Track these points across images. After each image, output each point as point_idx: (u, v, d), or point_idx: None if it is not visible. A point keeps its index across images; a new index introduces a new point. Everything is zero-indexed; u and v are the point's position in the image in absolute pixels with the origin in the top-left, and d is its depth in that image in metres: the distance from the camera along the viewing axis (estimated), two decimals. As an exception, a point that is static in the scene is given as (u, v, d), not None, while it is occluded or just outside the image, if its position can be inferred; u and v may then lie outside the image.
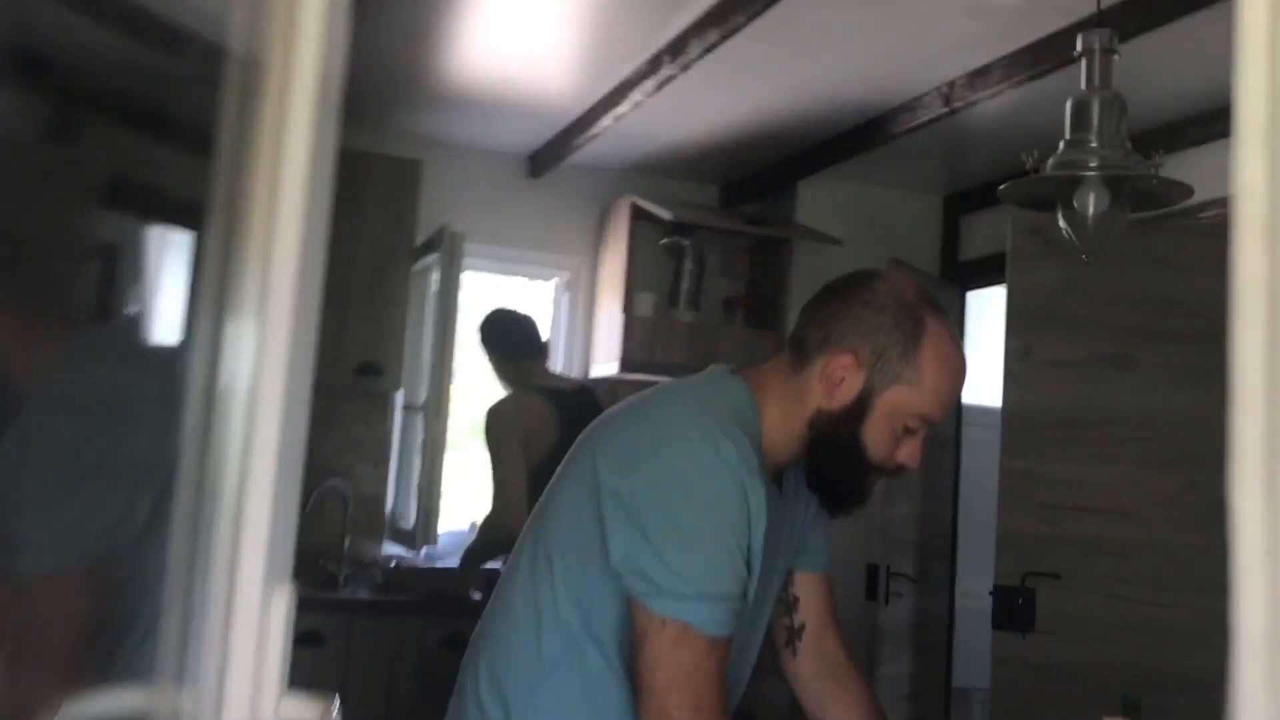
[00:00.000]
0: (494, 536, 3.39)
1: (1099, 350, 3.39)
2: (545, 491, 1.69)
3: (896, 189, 4.68)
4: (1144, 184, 2.19)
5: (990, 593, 3.37)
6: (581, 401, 3.59)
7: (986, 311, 4.71)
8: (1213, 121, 3.43)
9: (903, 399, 1.56)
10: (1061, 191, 2.26)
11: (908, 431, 1.58)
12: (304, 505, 4.10)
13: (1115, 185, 2.19)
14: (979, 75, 3.29)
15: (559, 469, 1.68)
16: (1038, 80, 3.13)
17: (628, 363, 4.30)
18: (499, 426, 3.41)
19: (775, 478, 1.67)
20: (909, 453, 1.59)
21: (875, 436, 1.57)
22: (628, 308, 4.36)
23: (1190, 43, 2.99)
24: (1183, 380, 3.35)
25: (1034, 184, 2.27)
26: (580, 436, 1.68)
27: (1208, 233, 3.39)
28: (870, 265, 4.59)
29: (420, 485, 3.81)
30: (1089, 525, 3.34)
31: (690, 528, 1.46)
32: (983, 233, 4.58)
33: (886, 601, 3.97)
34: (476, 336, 3.69)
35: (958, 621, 4.51)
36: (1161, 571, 3.29)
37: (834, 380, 1.56)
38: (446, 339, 3.83)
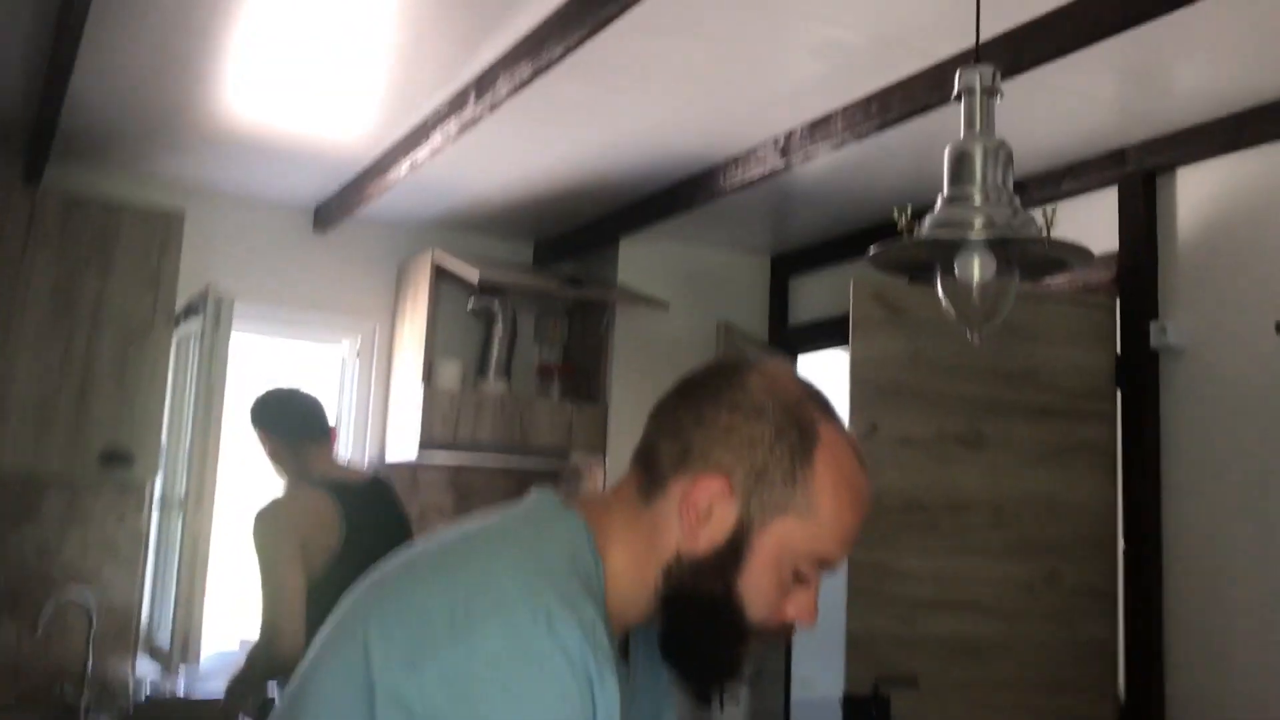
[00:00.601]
0: (263, 665, 2.80)
1: (948, 427, 3.09)
2: (296, 676, 1.19)
3: (723, 248, 4.34)
4: (1035, 248, 1.87)
5: (841, 701, 3.00)
6: (373, 497, 3.07)
7: (818, 378, 4.39)
8: (1064, 179, 3.21)
9: (792, 536, 1.15)
10: (940, 255, 1.91)
11: (798, 580, 1.17)
12: (36, 619, 3.42)
13: (1003, 248, 1.85)
14: (819, 125, 2.97)
15: (314, 647, 1.19)
16: (884, 131, 2.82)
17: (428, 441, 3.79)
18: (270, 531, 2.85)
19: (621, 644, 1.23)
20: (801, 606, 1.18)
21: (756, 588, 1.16)
22: (429, 377, 3.86)
23: (1045, 93, 2.74)
24: (1040, 459, 3.08)
25: (907, 248, 1.92)
26: (346, 603, 1.19)
27: (1061, 299, 3.16)
28: (697, 329, 4.29)
29: (179, 594, 3.19)
30: (945, 622, 3.01)
31: None
32: (813, 295, 4.29)
33: (722, 707, 3.55)
34: (249, 419, 3.13)
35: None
36: (1023, 673, 2.98)
37: (699, 512, 1.15)
38: (210, 418, 3.24)
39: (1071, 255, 1.87)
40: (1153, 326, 3.00)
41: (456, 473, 4.19)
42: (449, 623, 1.05)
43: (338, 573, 2.84)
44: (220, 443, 3.26)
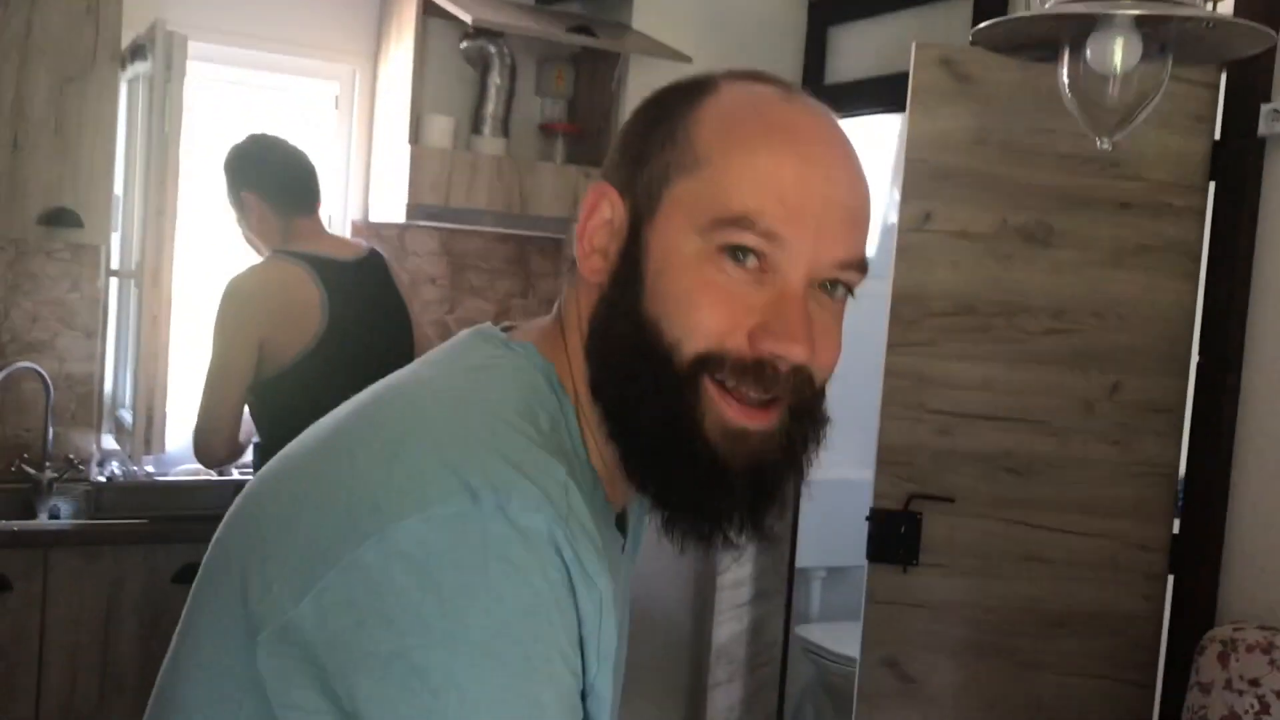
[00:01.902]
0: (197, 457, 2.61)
1: (1012, 219, 2.69)
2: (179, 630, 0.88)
3: (754, -10, 3.79)
4: (1194, 29, 1.42)
5: (867, 517, 2.74)
6: (365, 276, 2.70)
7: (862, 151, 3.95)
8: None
9: (683, 202, 0.82)
10: (1069, 33, 1.47)
11: (735, 261, 0.80)
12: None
13: (1153, 30, 1.41)
14: None
15: (194, 587, 0.87)
16: None
17: (418, 206, 3.38)
18: (230, 309, 2.52)
19: (619, 516, 0.92)
20: (764, 313, 0.79)
21: (671, 294, 0.81)
22: (416, 136, 3.41)
23: None
24: (1113, 258, 2.69)
25: (1027, 24, 1.47)
26: (221, 526, 0.87)
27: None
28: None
29: (138, 376, 2.87)
30: (990, 437, 2.71)
31: (452, 685, 0.70)
32: (857, 48, 3.77)
33: (729, 539, 3.31)
34: (225, 174, 2.73)
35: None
36: (1071, 492, 2.71)
37: (588, 242, 0.87)
38: (165, 178, 2.83)
39: (1246, 39, 1.43)
40: (1263, 110, 2.55)
41: (450, 237, 3.80)
42: (348, 523, 0.72)
43: (312, 366, 2.52)
44: (177, 205, 2.86)
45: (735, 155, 0.80)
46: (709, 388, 0.79)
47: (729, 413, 0.80)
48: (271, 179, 2.66)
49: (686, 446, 0.80)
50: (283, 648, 0.72)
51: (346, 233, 3.65)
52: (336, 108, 3.65)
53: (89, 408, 3.33)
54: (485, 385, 0.82)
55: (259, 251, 2.73)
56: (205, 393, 2.50)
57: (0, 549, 2.72)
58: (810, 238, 0.79)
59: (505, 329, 0.90)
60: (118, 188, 3.05)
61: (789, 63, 3.86)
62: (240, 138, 2.76)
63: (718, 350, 0.79)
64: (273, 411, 2.55)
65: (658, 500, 0.83)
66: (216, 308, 2.54)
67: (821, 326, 0.81)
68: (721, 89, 0.85)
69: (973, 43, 1.56)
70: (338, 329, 2.55)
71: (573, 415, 0.84)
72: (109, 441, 3.36)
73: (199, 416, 2.51)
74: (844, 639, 3.90)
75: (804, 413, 0.83)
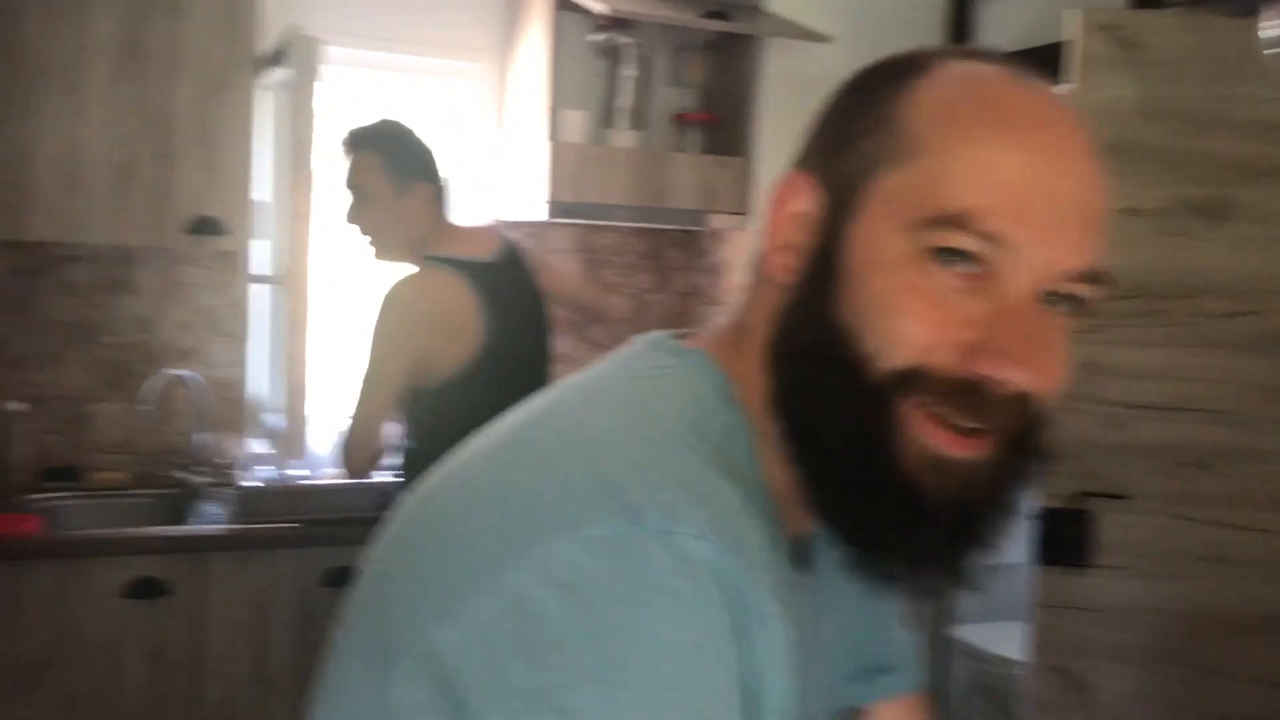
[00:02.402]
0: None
1: (1188, 194, 2.50)
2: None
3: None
4: None
5: (1033, 516, 2.58)
6: (507, 275, 2.55)
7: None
8: None
9: (891, 197, 0.71)
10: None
11: (946, 264, 0.68)
12: (142, 393, 3.17)
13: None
14: None
15: (346, 611, 0.81)
16: None
17: (556, 205, 3.33)
18: (389, 321, 2.37)
19: (798, 547, 0.79)
20: (989, 331, 0.68)
21: (870, 299, 0.70)
22: (552, 131, 3.36)
23: None
24: (1303, 234, 2.48)
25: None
26: (384, 533, 0.80)
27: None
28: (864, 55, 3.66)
29: (284, 379, 2.88)
30: (1167, 429, 2.53)
31: None
32: (1006, 20, 3.58)
33: (955, 582, 3.18)
34: (396, 157, 2.47)
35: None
36: (1261, 487, 2.51)
37: (777, 239, 0.77)
38: (301, 185, 2.83)
39: None
40: None
41: (585, 233, 3.75)
42: (497, 544, 0.65)
43: (472, 375, 2.43)
44: (311, 210, 2.86)
45: (953, 144, 0.69)
46: (910, 409, 0.69)
47: (932, 439, 0.69)
48: (440, 174, 2.54)
49: (879, 475, 0.69)
50: (420, 678, 0.65)
51: (482, 232, 3.63)
52: (470, 106, 3.63)
53: (236, 412, 3.38)
54: (650, 396, 0.74)
55: (384, 245, 2.52)
56: (359, 401, 2.40)
57: (158, 554, 2.77)
58: (1039, 241, 0.68)
59: (681, 335, 0.82)
60: (259, 194, 3.08)
61: (931, 37, 3.69)
62: (403, 122, 2.58)
63: (922, 366, 0.68)
64: (430, 420, 2.44)
65: (843, 535, 0.73)
66: (375, 316, 2.42)
67: (1048, 346, 0.69)
68: (936, 68, 0.74)
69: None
70: (493, 336, 2.44)
71: (748, 432, 0.75)
72: (256, 445, 3.40)
73: (350, 422, 2.43)
74: (1000, 640, 3.73)
75: (1021, 444, 0.71)
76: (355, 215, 2.48)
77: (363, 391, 2.40)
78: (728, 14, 3.34)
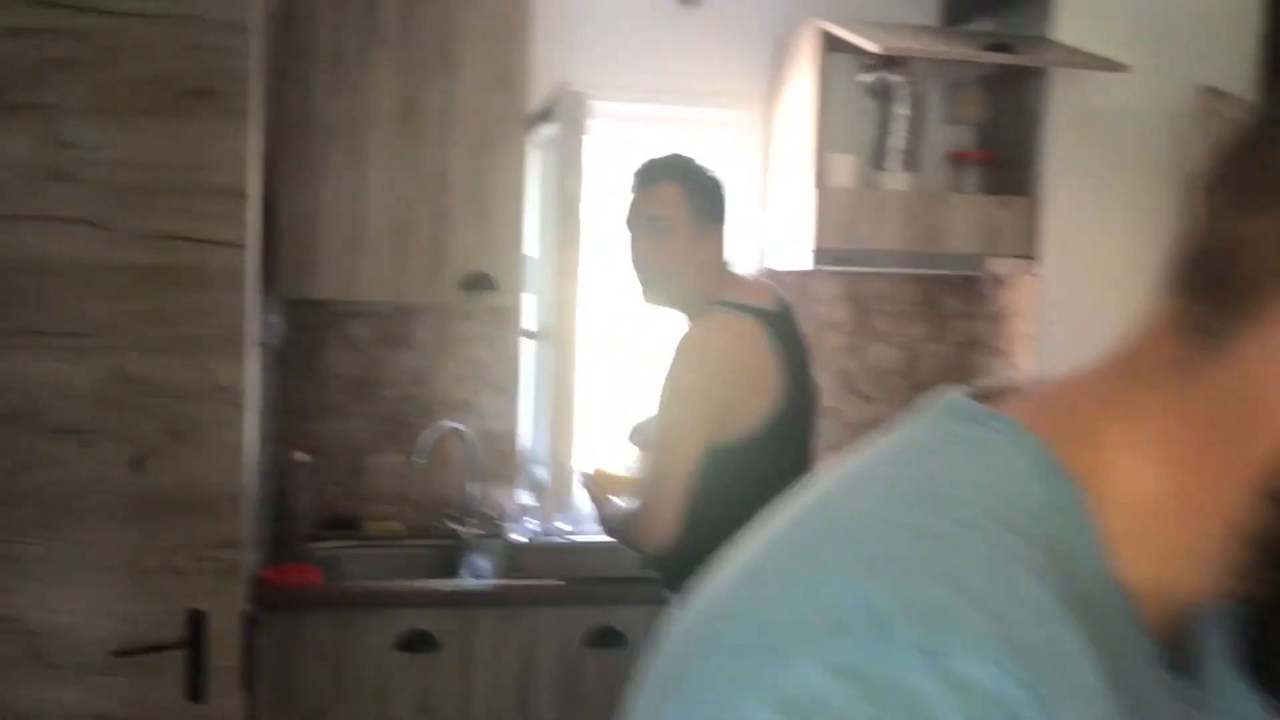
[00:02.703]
0: (627, 536, 2.29)
1: None
2: None
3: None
4: None
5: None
6: (789, 329, 2.32)
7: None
8: None
9: None
10: None
11: None
12: (418, 446, 3.24)
13: None
14: None
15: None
16: None
17: (824, 253, 3.20)
18: (689, 372, 2.11)
19: (1171, 642, 0.61)
20: None
21: None
22: (819, 176, 3.24)
23: None
24: None
25: None
26: (659, 637, 0.67)
27: None
28: (1166, 98, 3.29)
29: (550, 441, 2.87)
30: None
31: None
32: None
33: None
34: (700, 195, 2.25)
35: None
36: None
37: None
38: (569, 240, 2.82)
39: None
40: None
41: (853, 280, 3.60)
42: (735, 666, 0.53)
43: (765, 437, 2.17)
44: (579, 262, 2.84)
45: None
46: None
47: None
48: (708, 191, 2.30)
49: None
50: None
51: (748, 282, 3.54)
52: (732, 154, 3.56)
53: (507, 464, 3.41)
54: (935, 473, 0.59)
55: (663, 287, 2.27)
56: (659, 461, 2.10)
57: (429, 608, 2.80)
58: None
59: (983, 395, 0.67)
60: (529, 249, 3.11)
61: (1242, 68, 3.34)
62: (706, 164, 2.36)
63: None
64: (713, 488, 2.15)
65: None
66: (672, 366, 2.15)
67: None
68: None
69: None
70: (789, 391, 2.21)
71: (1085, 516, 0.59)
72: (525, 497, 3.42)
73: (652, 487, 2.10)
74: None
75: None
76: (644, 250, 2.20)
77: (662, 449, 2.11)
78: (1011, 46, 3.13)
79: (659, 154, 2.33)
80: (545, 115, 3.01)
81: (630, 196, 2.28)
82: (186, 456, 1.80)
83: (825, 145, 3.28)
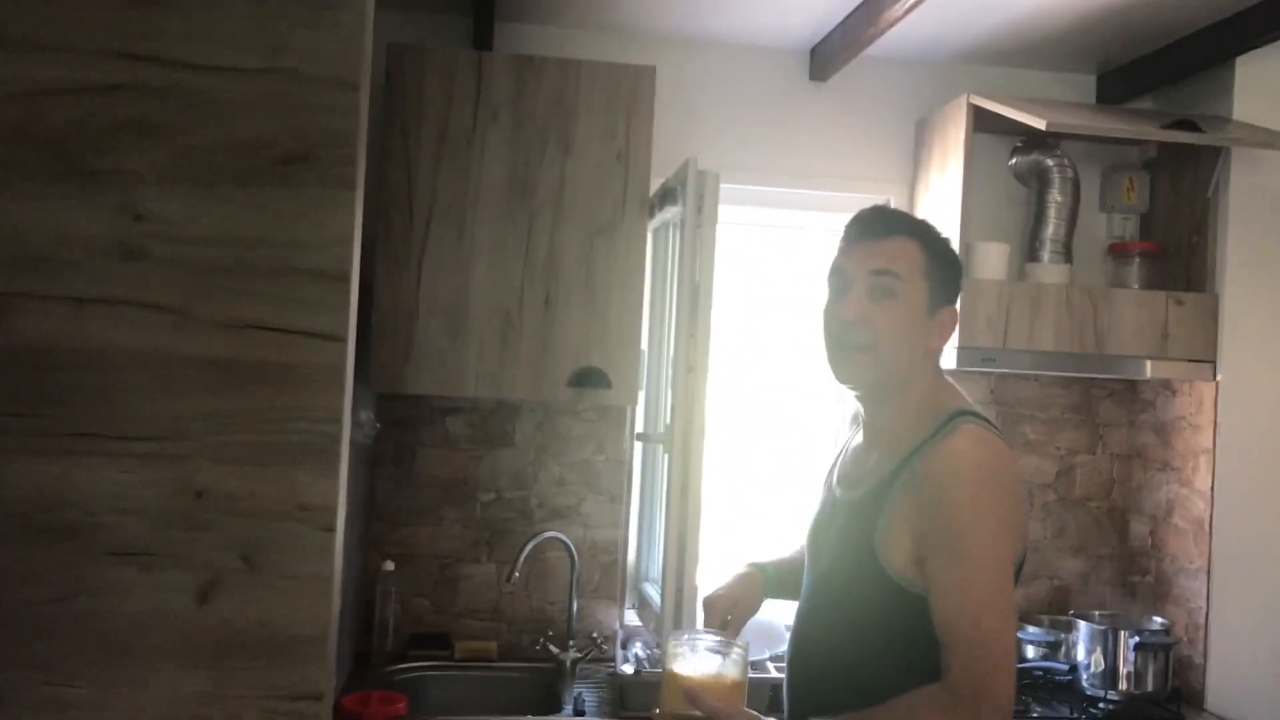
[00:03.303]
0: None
1: None
2: None
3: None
4: None
5: None
6: None
7: None
8: None
9: None
10: None
11: None
12: (516, 558, 2.93)
13: None
14: None
15: None
16: None
17: (970, 352, 2.86)
18: (998, 496, 1.64)
19: None
20: None
21: None
22: (966, 266, 2.91)
23: None
24: None
25: None
26: None
27: None
28: None
29: (666, 558, 2.54)
30: None
31: None
32: None
33: None
34: (948, 268, 1.77)
35: None
36: None
37: None
38: (696, 328, 2.52)
39: None
40: None
41: (1001, 383, 3.24)
42: None
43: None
44: (707, 359, 2.54)
45: None
46: None
47: None
48: (954, 265, 1.81)
49: None
50: None
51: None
52: (868, 242, 3.24)
53: (612, 579, 3.08)
54: None
55: (888, 363, 1.73)
56: (981, 616, 1.59)
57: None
58: None
59: None
60: (645, 343, 2.82)
61: None
62: (939, 227, 1.83)
63: None
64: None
65: None
66: (969, 489, 1.63)
67: None
68: None
69: None
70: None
71: None
72: (631, 617, 3.08)
73: (976, 648, 1.58)
74: None
75: None
76: (865, 309, 1.71)
77: (983, 598, 1.60)
78: (1197, 124, 2.79)
79: (881, 204, 1.94)
80: (667, 197, 2.74)
81: (843, 247, 1.78)
82: (263, 588, 1.51)
83: (972, 232, 2.95)
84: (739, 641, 1.67)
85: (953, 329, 1.78)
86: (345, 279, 1.55)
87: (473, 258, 2.68)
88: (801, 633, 1.81)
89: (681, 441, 2.51)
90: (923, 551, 1.61)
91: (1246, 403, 2.88)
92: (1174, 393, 3.07)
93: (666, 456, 2.56)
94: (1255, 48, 2.83)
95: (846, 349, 1.73)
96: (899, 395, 1.75)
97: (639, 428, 3.09)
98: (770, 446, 3.31)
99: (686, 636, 1.66)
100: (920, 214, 3.11)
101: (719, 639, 1.65)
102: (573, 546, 2.97)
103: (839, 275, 1.76)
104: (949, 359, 2.88)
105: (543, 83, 2.71)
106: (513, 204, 2.69)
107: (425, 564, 3.03)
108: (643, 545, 3.10)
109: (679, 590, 2.52)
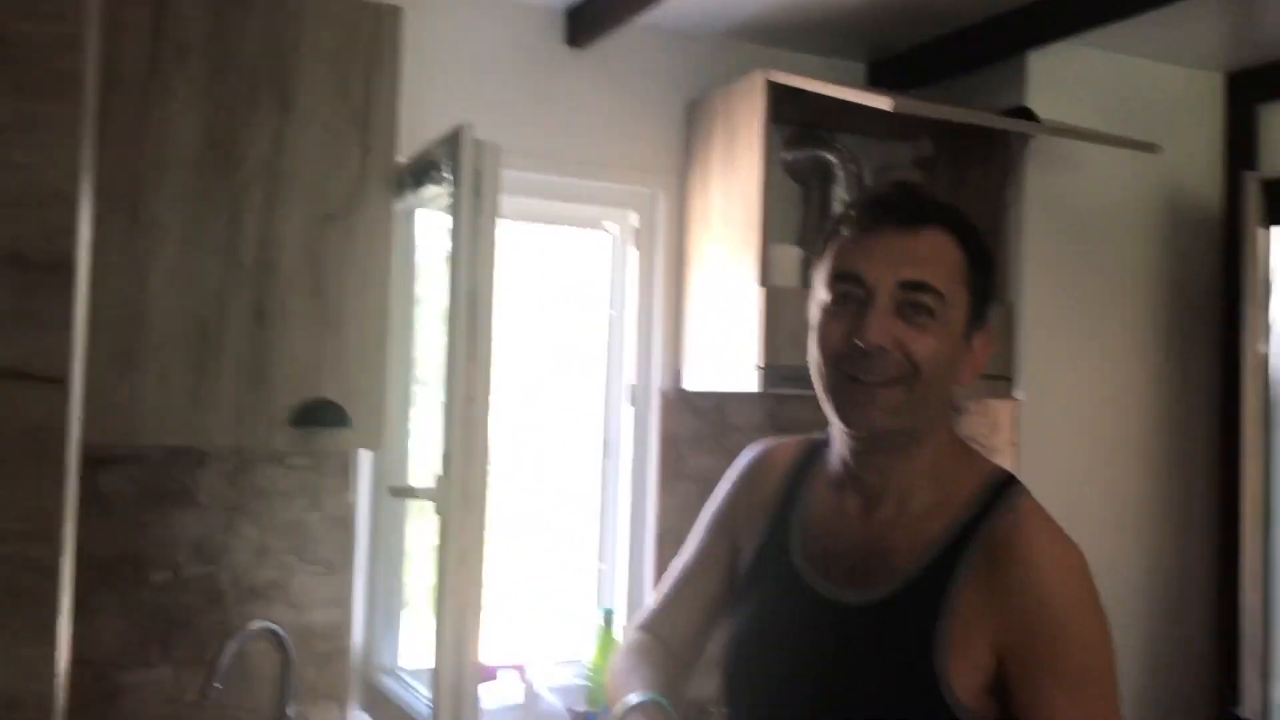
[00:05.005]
0: None
1: None
2: None
3: (1161, 62, 2.86)
4: None
5: None
6: None
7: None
8: None
9: None
10: None
11: None
12: (204, 657, 2.18)
13: None
14: None
15: None
16: None
17: (774, 372, 2.44)
18: (1095, 602, 1.21)
19: None
20: None
21: None
22: (763, 274, 2.49)
23: None
24: None
25: None
26: None
27: None
28: (1133, 174, 2.45)
29: (441, 651, 1.90)
30: None
31: None
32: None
33: None
34: (984, 273, 1.29)
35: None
36: None
37: None
38: (475, 351, 1.91)
39: None
40: None
41: (777, 405, 2.85)
42: None
43: None
44: (489, 386, 1.94)
45: None
46: None
47: None
48: (989, 268, 1.36)
49: None
50: None
51: (651, 406, 2.73)
52: (635, 244, 2.75)
53: (335, 674, 2.37)
54: None
55: (900, 409, 1.24)
56: None
57: None
58: None
59: None
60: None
61: (1207, 150, 2.91)
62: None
63: None
64: None
65: None
66: (1082, 600, 1.21)
67: None
68: None
69: None
70: None
71: None
72: (362, 718, 2.40)
73: None
74: None
75: None
76: (896, 330, 1.22)
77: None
78: (1034, 114, 2.53)
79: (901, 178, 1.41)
80: (421, 175, 2.10)
81: (854, 239, 1.27)
82: None
83: (769, 233, 2.54)
84: None
85: (987, 359, 1.30)
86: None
87: (153, 251, 1.92)
88: None
89: (460, 496, 1.89)
90: (1014, 678, 1.15)
91: (1047, 421, 2.66)
92: (960, 412, 2.80)
93: (440, 517, 1.93)
94: (1049, 40, 2.61)
95: (866, 385, 1.22)
96: (917, 447, 1.26)
97: (363, 476, 2.42)
98: (550, 497, 2.76)
99: None
100: (701, 213, 2.69)
101: None
102: (286, 637, 2.25)
103: (850, 282, 1.24)
104: (749, 380, 2.44)
105: (251, 15, 1.99)
106: (210, 176, 1.95)
107: (72, 674, 2.18)
108: (375, 627, 2.42)
109: (457, 691, 1.89)
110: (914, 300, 1.21)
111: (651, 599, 1.61)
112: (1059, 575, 1.18)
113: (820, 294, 1.29)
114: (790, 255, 2.58)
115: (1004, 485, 1.27)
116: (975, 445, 2.64)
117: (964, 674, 1.16)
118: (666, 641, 1.53)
